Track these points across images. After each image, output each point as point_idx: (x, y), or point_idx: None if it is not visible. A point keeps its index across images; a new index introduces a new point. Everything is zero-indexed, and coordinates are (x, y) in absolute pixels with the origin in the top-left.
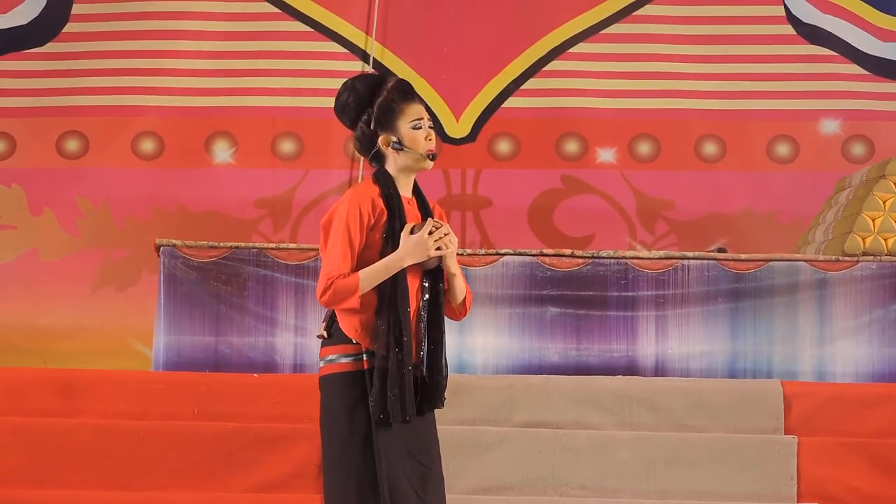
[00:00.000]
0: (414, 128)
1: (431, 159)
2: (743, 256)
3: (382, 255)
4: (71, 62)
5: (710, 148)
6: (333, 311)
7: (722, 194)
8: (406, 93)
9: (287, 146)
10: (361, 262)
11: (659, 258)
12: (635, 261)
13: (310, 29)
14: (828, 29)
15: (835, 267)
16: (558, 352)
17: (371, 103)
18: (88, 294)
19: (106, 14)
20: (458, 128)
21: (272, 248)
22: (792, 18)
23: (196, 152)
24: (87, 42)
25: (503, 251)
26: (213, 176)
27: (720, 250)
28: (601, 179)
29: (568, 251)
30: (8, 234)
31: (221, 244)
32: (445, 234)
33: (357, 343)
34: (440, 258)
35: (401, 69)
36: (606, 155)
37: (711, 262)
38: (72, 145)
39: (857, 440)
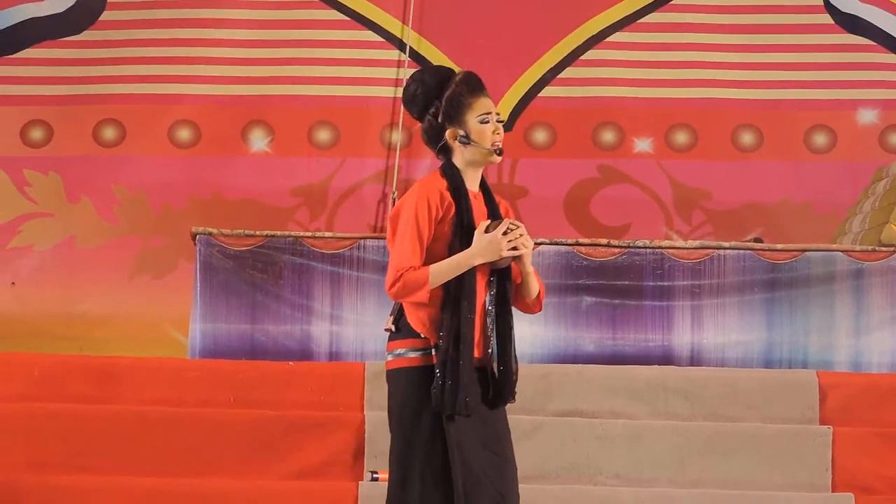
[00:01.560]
0: (482, 122)
1: (499, 154)
2: (779, 246)
3: (451, 247)
4: (107, 50)
5: (747, 137)
6: (401, 304)
7: (759, 184)
8: (474, 86)
9: (323, 135)
10: (430, 254)
11: (695, 248)
12: (671, 250)
13: (346, 18)
14: (866, 18)
15: (871, 257)
16: (594, 341)
17: (439, 96)
18: (125, 281)
19: (143, 2)
20: None
21: (308, 237)
22: (830, 7)
23: (232, 141)
24: (123, 30)
25: (539, 240)
26: (250, 164)
27: (756, 240)
28: (637, 169)
29: (604, 241)
30: (45, 221)
31: (257, 232)
32: (521, 235)
33: (425, 338)
34: (512, 258)
35: (437, 58)
36: (643, 144)
37: (747, 251)
38: (108, 133)
39: (893, 430)
